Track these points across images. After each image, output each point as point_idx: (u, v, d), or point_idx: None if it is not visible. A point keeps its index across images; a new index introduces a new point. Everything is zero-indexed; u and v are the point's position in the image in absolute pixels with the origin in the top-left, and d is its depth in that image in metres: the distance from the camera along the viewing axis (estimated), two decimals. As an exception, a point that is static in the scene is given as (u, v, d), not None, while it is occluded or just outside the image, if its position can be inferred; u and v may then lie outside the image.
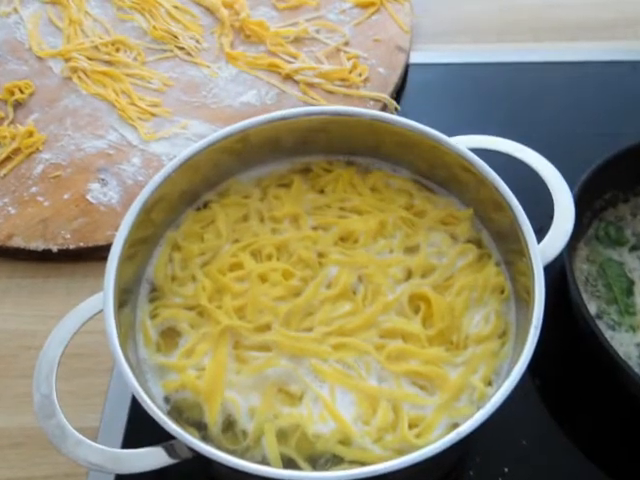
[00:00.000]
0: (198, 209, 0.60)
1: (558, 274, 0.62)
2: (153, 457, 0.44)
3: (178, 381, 0.50)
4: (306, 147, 0.61)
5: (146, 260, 0.56)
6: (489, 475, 0.57)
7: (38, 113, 0.83)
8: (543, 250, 0.52)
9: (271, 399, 0.49)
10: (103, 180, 0.77)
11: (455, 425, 0.47)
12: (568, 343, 0.63)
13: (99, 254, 0.71)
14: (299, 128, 0.59)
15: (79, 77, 0.86)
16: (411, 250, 0.57)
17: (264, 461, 0.47)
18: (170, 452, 0.44)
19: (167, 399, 0.50)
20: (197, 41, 0.91)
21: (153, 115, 0.82)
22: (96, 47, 0.89)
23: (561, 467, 0.59)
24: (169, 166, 0.54)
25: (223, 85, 0.86)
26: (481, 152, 0.56)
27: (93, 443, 0.45)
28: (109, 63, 0.88)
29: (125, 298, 0.52)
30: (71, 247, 0.71)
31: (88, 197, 0.75)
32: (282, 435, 0.48)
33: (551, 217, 0.55)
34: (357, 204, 0.59)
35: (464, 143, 0.56)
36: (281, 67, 0.86)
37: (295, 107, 0.59)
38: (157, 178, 0.54)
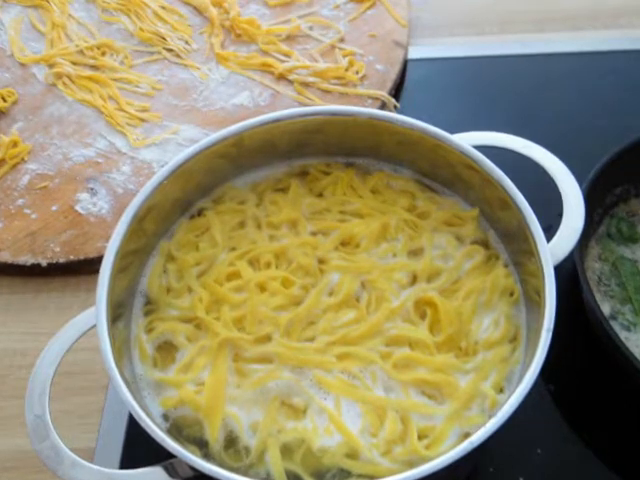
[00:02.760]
0: (192, 217, 0.60)
1: (569, 274, 0.62)
2: (152, 477, 0.45)
3: (176, 397, 0.50)
4: (303, 149, 0.62)
5: (139, 272, 0.57)
6: (504, 486, 0.57)
7: (22, 122, 0.84)
8: (553, 249, 0.52)
9: (274, 413, 0.49)
10: (92, 190, 0.77)
11: (466, 435, 0.47)
12: (582, 346, 0.64)
13: (90, 267, 0.72)
14: (294, 130, 0.59)
15: (64, 83, 0.87)
16: (415, 253, 0.57)
17: (268, 478, 0.47)
18: (170, 471, 0.45)
19: (166, 416, 0.50)
20: (186, 42, 0.91)
21: (142, 120, 0.83)
22: (81, 51, 0.89)
23: (579, 476, 0.59)
24: (160, 173, 0.55)
25: (214, 87, 0.86)
26: (485, 149, 0.57)
27: (89, 464, 0.45)
28: (95, 68, 0.88)
29: (119, 312, 0.52)
30: (61, 261, 0.72)
31: (77, 208, 0.76)
32: (286, 450, 0.48)
33: (560, 215, 0.55)
34: (358, 207, 0.59)
35: (467, 140, 0.57)
36: (274, 67, 0.87)
37: (290, 108, 0.59)
38: (148, 186, 0.54)
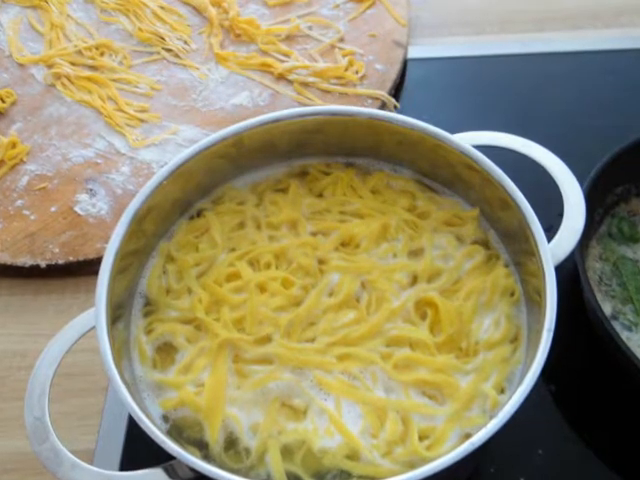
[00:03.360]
0: (192, 218, 0.60)
1: (570, 274, 0.63)
2: (152, 479, 0.45)
3: (176, 398, 0.50)
4: (302, 149, 0.62)
5: (139, 273, 0.57)
6: (505, 486, 0.57)
7: (21, 123, 0.84)
8: (553, 249, 0.52)
9: (274, 414, 0.49)
10: (91, 191, 0.77)
11: (467, 435, 0.47)
12: (583, 346, 0.64)
13: (90, 268, 0.72)
14: (294, 130, 0.59)
15: (63, 84, 0.87)
16: (415, 254, 0.57)
17: (269, 479, 0.47)
18: (170, 473, 0.45)
19: (165, 418, 0.50)
20: (185, 42, 0.91)
21: (141, 121, 0.83)
22: (79, 52, 0.90)
23: (579, 476, 0.59)
24: (160, 174, 0.55)
25: (213, 87, 0.86)
26: (485, 149, 0.57)
27: (89, 466, 0.45)
28: (94, 68, 0.88)
29: (118, 313, 0.52)
30: (60, 262, 0.72)
31: (76, 209, 0.76)
32: (287, 452, 0.48)
33: (561, 215, 0.55)
34: (358, 207, 0.59)
35: (467, 140, 0.57)
36: (273, 66, 0.87)
37: (289, 108, 0.59)
38: (148, 187, 0.54)
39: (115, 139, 0.82)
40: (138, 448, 0.60)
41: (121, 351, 0.51)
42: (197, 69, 0.88)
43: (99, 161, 0.80)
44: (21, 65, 0.90)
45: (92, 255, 0.72)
